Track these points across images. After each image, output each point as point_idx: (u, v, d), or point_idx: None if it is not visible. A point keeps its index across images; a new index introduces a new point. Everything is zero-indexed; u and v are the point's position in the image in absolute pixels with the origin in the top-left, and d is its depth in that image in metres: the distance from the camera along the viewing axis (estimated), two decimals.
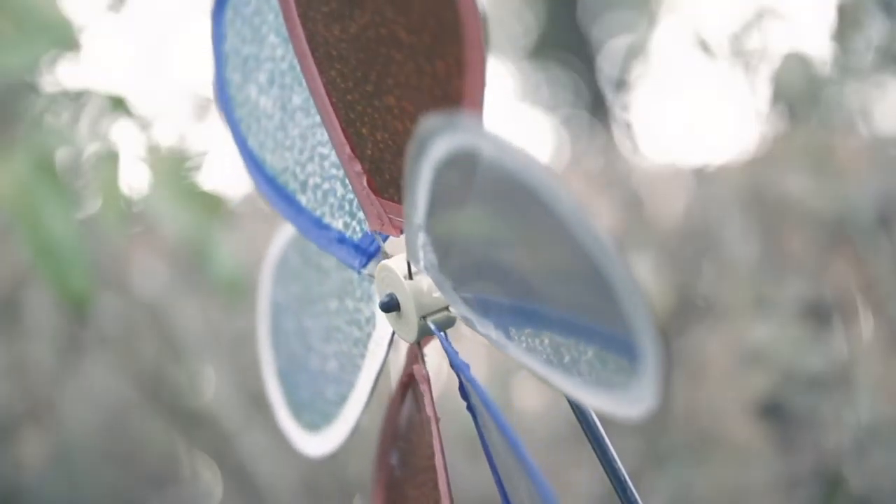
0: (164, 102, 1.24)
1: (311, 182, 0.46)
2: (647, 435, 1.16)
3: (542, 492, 0.35)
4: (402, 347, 0.45)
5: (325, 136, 0.44)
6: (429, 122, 0.34)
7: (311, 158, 0.46)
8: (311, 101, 0.43)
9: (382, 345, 0.46)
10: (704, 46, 1.27)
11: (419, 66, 0.37)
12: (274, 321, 0.54)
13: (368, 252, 0.44)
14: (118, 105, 0.98)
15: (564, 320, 0.34)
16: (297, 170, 0.46)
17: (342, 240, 0.45)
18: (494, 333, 0.36)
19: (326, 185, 0.45)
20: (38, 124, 0.99)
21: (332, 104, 0.41)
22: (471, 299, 0.37)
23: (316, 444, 0.50)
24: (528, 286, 0.35)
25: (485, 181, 0.33)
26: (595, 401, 0.34)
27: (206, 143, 1.14)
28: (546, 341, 0.35)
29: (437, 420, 0.42)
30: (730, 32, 1.26)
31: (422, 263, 0.38)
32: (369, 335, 0.47)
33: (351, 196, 0.44)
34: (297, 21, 0.41)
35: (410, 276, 0.41)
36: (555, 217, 0.31)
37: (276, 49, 0.46)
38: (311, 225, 0.46)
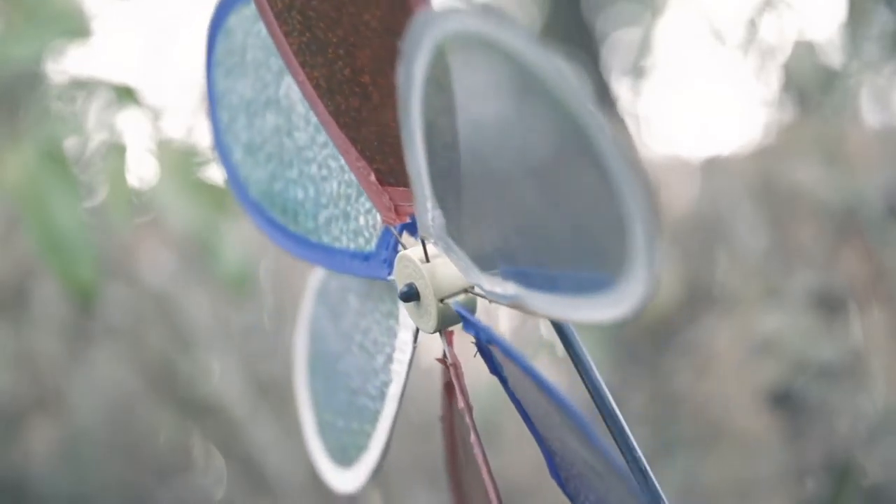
0: (172, 94, 1.24)
1: (317, 214, 0.47)
2: (656, 424, 1.16)
3: (586, 430, 0.36)
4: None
5: (327, 162, 0.45)
6: (407, 34, 0.33)
7: (312, 190, 0.47)
8: (297, 123, 0.45)
9: (407, 351, 0.46)
10: (714, 35, 1.27)
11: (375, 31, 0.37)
12: (311, 377, 0.54)
13: (386, 258, 0.44)
14: (126, 96, 0.97)
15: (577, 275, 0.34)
16: (306, 210, 0.47)
17: (357, 256, 0.45)
18: (510, 289, 0.36)
19: (333, 209, 0.46)
20: (46, 113, 0.99)
21: (329, 112, 0.41)
22: (485, 263, 0.37)
23: (356, 476, 0.50)
24: (531, 218, 0.34)
25: (472, 71, 0.33)
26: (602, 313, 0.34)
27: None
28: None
29: (472, 410, 0.41)
30: (738, 21, 1.26)
31: (433, 231, 0.38)
32: (394, 347, 0.47)
33: (359, 209, 0.44)
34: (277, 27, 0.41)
35: (427, 259, 0.41)
36: (543, 87, 0.31)
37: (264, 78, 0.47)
38: (329, 254, 0.46)
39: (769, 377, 1.08)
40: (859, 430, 1.08)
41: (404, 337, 0.46)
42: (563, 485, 0.41)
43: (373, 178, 0.41)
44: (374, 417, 0.48)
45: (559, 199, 0.33)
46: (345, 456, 0.51)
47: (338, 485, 0.51)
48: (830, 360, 1.07)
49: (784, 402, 1.08)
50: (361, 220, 0.45)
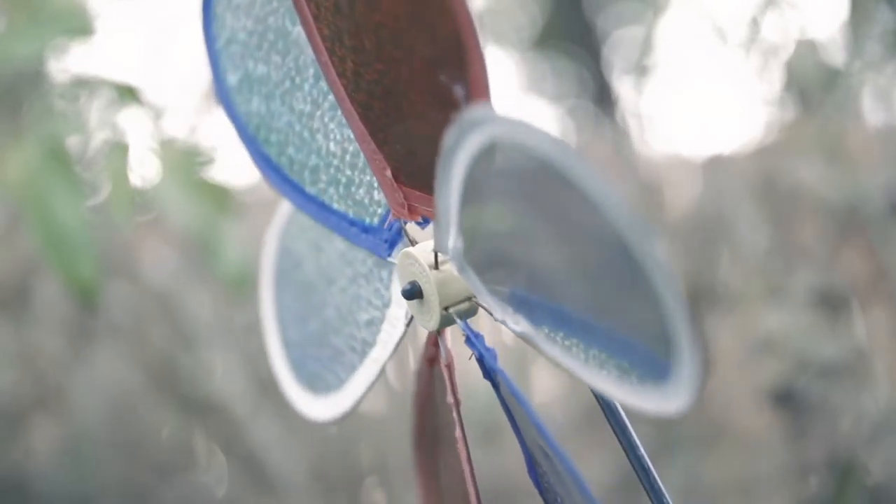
0: (174, 93, 1.24)
1: (318, 169, 0.45)
2: (658, 423, 1.16)
3: (567, 466, 0.36)
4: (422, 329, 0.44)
5: (331, 125, 0.43)
6: (467, 114, 0.33)
7: (315, 145, 0.45)
8: (319, 93, 0.43)
9: (398, 326, 0.45)
10: (716, 34, 1.27)
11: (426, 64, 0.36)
12: (278, 289, 0.53)
13: (388, 239, 0.43)
14: (128, 94, 0.97)
15: (592, 324, 0.34)
16: (305, 158, 0.45)
17: (356, 224, 0.44)
18: (522, 325, 0.36)
19: (336, 173, 0.44)
20: (48, 112, 0.99)
21: (351, 100, 0.40)
22: (500, 292, 0.37)
23: (320, 408, 0.50)
24: (559, 281, 0.34)
25: (519, 171, 0.33)
26: (625, 396, 0.34)
27: (215, 133, 1.14)
28: (578, 343, 0.35)
29: (459, 404, 0.41)
30: (740, 20, 1.26)
31: (451, 254, 0.37)
32: (383, 316, 0.46)
33: (363, 181, 0.43)
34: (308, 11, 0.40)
35: (437, 265, 0.40)
36: (590, 204, 0.31)
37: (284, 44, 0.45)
38: (324, 212, 0.45)
39: (771, 376, 1.08)
40: (862, 428, 1.08)
41: (396, 312, 0.45)
42: (542, 493, 0.41)
43: (389, 173, 0.40)
44: (350, 366, 0.47)
45: (600, 294, 0.34)
46: (312, 383, 0.50)
47: (300, 406, 0.50)
48: (832, 358, 1.07)
49: (786, 400, 1.08)
50: (364, 192, 0.43)
